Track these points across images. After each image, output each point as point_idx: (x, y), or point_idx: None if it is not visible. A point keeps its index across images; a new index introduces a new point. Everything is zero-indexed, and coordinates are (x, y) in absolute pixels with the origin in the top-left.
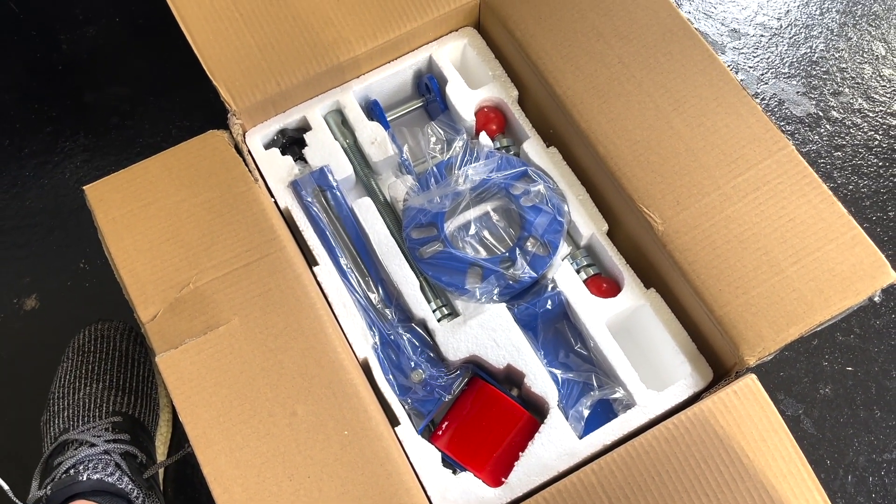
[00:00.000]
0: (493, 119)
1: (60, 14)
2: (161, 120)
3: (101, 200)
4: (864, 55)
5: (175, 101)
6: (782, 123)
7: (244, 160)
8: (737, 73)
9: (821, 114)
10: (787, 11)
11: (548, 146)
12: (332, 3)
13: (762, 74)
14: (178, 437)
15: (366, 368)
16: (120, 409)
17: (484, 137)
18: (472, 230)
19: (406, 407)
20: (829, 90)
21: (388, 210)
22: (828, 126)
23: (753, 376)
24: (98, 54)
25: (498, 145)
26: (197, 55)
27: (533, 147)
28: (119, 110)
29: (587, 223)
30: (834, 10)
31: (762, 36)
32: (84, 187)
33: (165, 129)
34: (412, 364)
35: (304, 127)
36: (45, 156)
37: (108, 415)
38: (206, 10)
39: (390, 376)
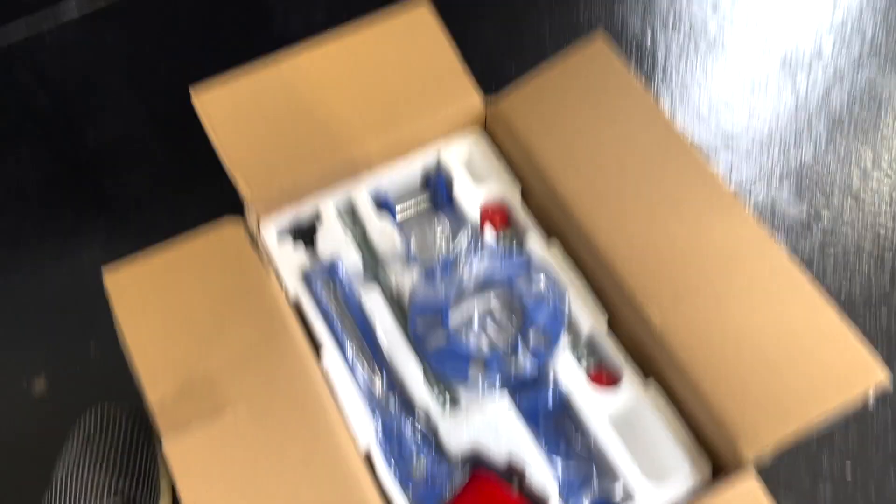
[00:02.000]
0: (497, 215)
1: (89, 108)
2: (179, 209)
3: (118, 284)
4: (854, 162)
5: (194, 190)
6: (774, 227)
7: (258, 249)
8: (730, 176)
9: (812, 218)
10: (777, 117)
11: (550, 242)
12: (347, 103)
13: (754, 179)
14: None
15: (368, 459)
16: (121, 494)
17: (488, 232)
18: (476, 322)
19: (408, 500)
20: (819, 195)
21: (394, 302)
22: (819, 230)
23: (756, 481)
24: (122, 146)
25: (502, 241)
26: (216, 148)
27: (535, 242)
28: (140, 199)
29: (587, 316)
30: (823, 116)
31: (754, 141)
32: (102, 269)
33: (183, 217)
34: (414, 455)
35: (317, 218)
36: (64, 239)
37: (108, 497)
38: (226, 107)
39: (392, 467)
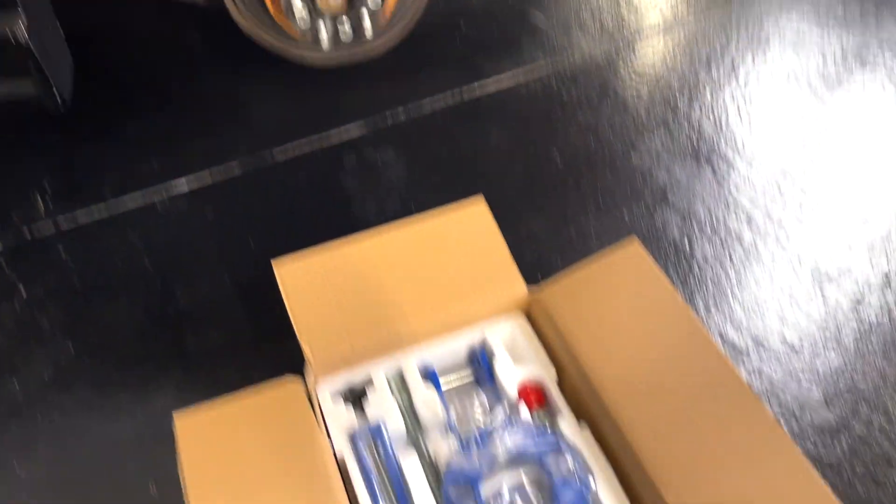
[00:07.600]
0: (533, 394)
1: (182, 271)
2: (248, 365)
3: (185, 429)
4: (881, 378)
5: (262, 349)
6: (802, 430)
7: (312, 407)
8: (760, 377)
9: (841, 425)
10: (807, 325)
11: (580, 425)
12: (405, 282)
13: (784, 382)
14: None
15: None
16: None
17: (524, 410)
18: (506, 496)
19: None
20: (849, 403)
21: (430, 468)
22: (848, 438)
23: None
24: (206, 306)
25: (536, 419)
26: (290, 313)
27: (567, 424)
28: (214, 354)
29: (611, 502)
30: (851, 329)
31: (783, 346)
32: (173, 414)
33: (250, 372)
34: None
35: (368, 384)
36: (143, 384)
37: None
38: (302, 279)
39: None
